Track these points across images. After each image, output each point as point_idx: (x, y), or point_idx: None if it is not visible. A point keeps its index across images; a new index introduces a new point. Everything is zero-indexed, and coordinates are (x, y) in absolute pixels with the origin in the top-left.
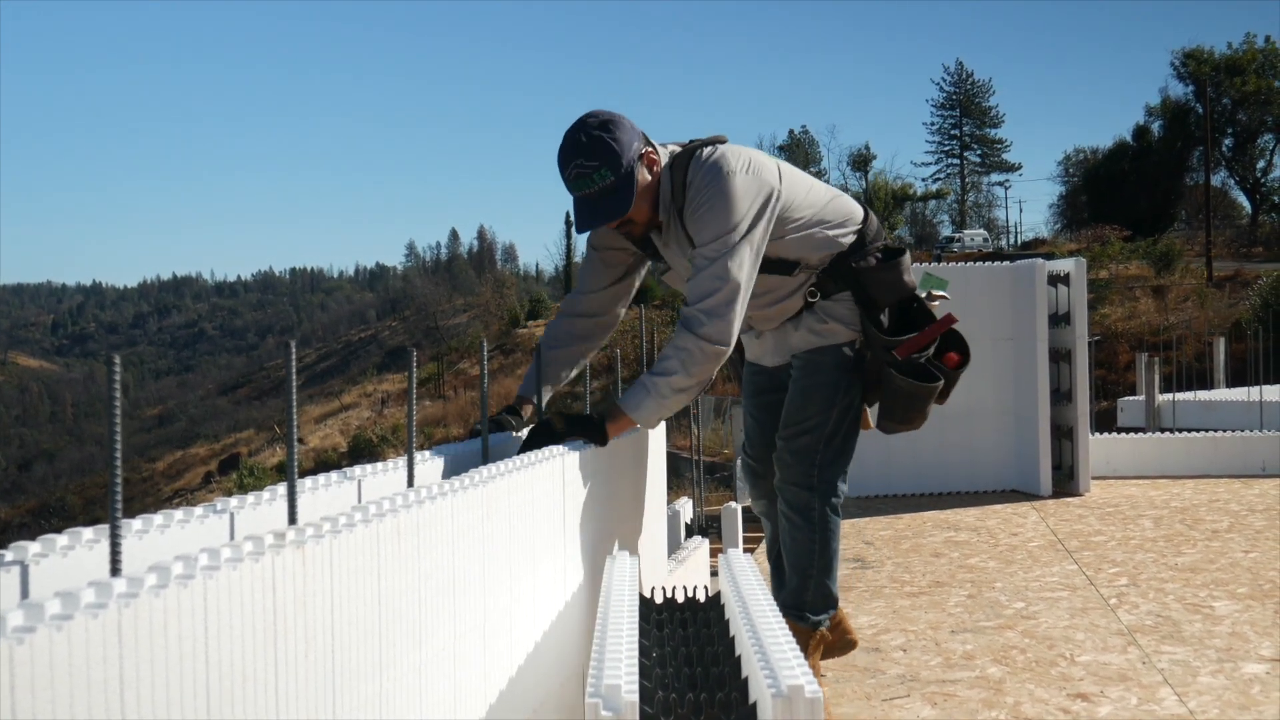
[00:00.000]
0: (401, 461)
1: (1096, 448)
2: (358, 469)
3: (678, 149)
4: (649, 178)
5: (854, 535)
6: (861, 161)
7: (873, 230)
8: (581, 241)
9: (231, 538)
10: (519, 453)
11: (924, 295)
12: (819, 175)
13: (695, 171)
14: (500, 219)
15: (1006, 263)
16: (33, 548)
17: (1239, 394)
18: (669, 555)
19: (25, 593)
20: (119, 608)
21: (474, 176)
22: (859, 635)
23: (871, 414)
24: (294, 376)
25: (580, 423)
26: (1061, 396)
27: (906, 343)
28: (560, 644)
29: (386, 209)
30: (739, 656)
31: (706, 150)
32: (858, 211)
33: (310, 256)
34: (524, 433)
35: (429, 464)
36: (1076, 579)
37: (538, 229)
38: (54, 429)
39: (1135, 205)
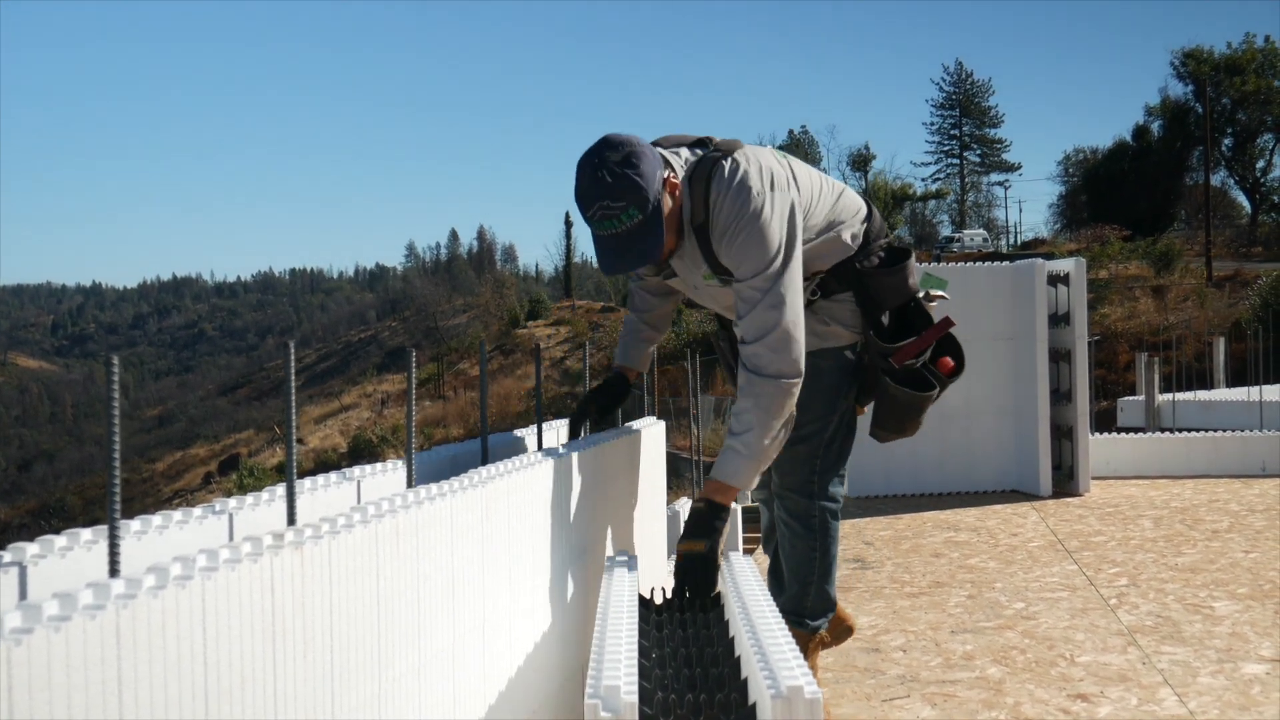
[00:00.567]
0: (401, 462)
1: (1096, 448)
2: (357, 469)
3: (685, 151)
4: (671, 204)
5: (854, 536)
6: (861, 161)
7: (876, 227)
8: (581, 242)
9: (230, 539)
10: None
11: (921, 295)
12: None
13: (719, 192)
14: (500, 219)
15: (1006, 263)
16: (31, 549)
17: (1239, 394)
18: (668, 556)
19: (24, 594)
20: (117, 609)
21: (474, 177)
22: (858, 635)
23: (863, 420)
24: (293, 377)
25: (697, 528)
26: (1061, 396)
27: (904, 348)
28: (559, 644)
29: (386, 209)
30: (739, 657)
31: (728, 167)
32: (863, 206)
33: (310, 257)
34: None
35: (427, 465)
36: (1076, 579)
37: (537, 229)
38: (54, 429)
39: (1135, 205)
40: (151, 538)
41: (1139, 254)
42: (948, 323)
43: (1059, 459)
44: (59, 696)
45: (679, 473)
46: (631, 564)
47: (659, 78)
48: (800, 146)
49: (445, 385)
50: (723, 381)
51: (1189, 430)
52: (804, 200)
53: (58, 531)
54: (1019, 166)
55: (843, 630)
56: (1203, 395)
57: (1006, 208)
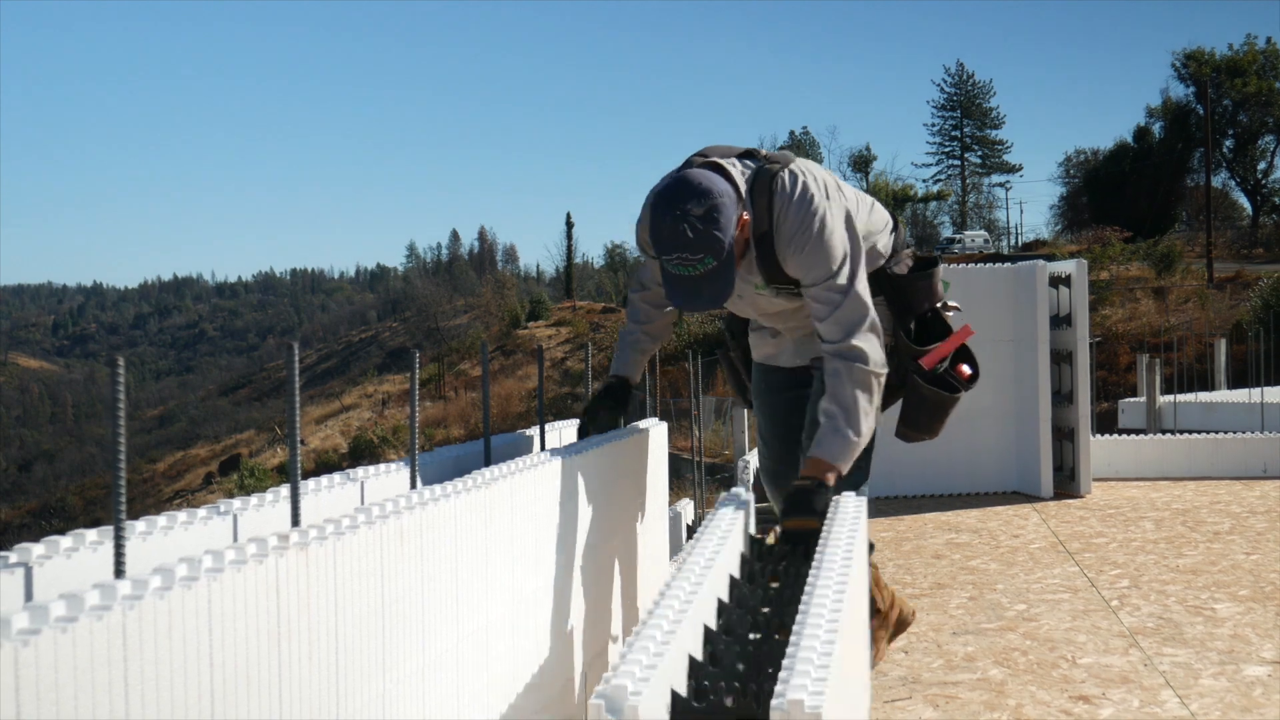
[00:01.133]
0: (403, 463)
1: (1098, 449)
2: (360, 470)
3: (736, 163)
4: (741, 236)
5: None
6: (862, 163)
7: (900, 238)
8: (581, 242)
9: (235, 539)
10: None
11: (939, 305)
12: None
13: (783, 203)
14: (501, 220)
15: (1008, 264)
16: (36, 549)
17: (1240, 395)
18: (670, 558)
19: (30, 595)
20: (123, 610)
21: (475, 177)
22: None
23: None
24: (296, 378)
25: (807, 505)
26: (1062, 398)
27: (934, 351)
28: (563, 646)
29: (387, 210)
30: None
31: (786, 179)
32: (889, 219)
33: (311, 257)
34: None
35: (431, 467)
36: (1078, 581)
37: (538, 230)
38: (54, 430)
39: (1136, 206)
40: (156, 539)
41: (1140, 255)
42: (968, 331)
43: (1060, 460)
44: (65, 697)
45: (680, 473)
46: (740, 506)
47: (660, 78)
48: (801, 148)
49: (445, 386)
50: (724, 383)
51: (1190, 432)
52: (851, 209)
53: (60, 532)
54: (1020, 168)
55: (902, 621)
56: (1204, 397)
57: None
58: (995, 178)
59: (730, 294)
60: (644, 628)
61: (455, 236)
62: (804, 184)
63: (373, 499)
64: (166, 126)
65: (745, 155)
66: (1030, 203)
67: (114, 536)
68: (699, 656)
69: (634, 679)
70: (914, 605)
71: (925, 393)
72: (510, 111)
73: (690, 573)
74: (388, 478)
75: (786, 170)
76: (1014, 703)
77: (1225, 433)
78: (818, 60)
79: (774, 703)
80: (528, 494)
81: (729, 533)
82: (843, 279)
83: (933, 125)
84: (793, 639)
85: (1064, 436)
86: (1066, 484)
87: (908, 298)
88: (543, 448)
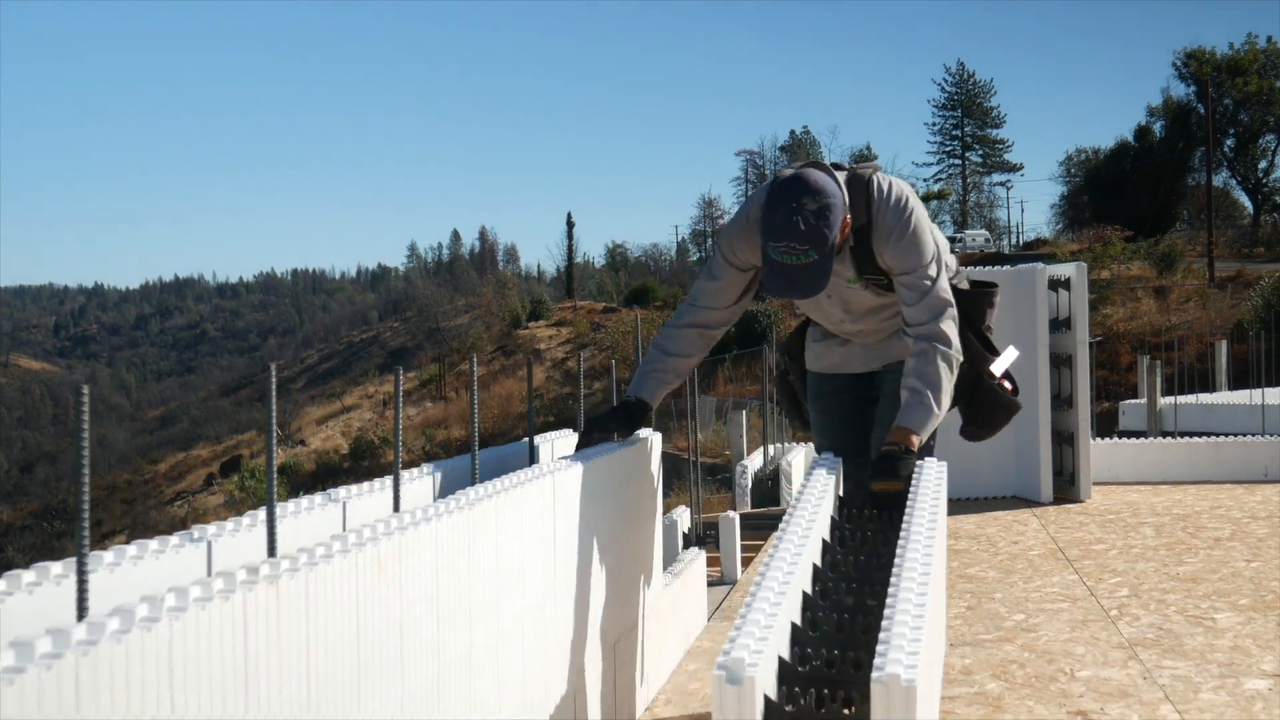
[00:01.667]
0: (388, 481)
1: (1098, 453)
2: (343, 490)
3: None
4: (841, 237)
5: None
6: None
7: (955, 255)
8: (582, 242)
9: (209, 569)
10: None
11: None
12: None
13: (880, 205)
14: (501, 220)
15: (1007, 267)
16: None
17: (1241, 396)
18: (665, 568)
19: None
20: (76, 657)
21: (475, 177)
22: None
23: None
24: (274, 403)
25: (893, 469)
26: (1062, 402)
27: (998, 360)
28: (549, 668)
29: (388, 210)
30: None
31: (883, 182)
32: (946, 240)
33: (312, 257)
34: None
35: (418, 483)
36: (1077, 589)
37: (539, 230)
38: (56, 431)
39: (1137, 205)
40: (125, 569)
41: (1141, 254)
42: (1013, 350)
43: (1060, 464)
44: None
45: (679, 474)
46: (831, 469)
47: (661, 78)
48: (802, 147)
49: (447, 386)
50: (724, 382)
51: (1190, 433)
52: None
53: (60, 534)
54: (1021, 167)
55: None
56: (1205, 398)
57: (1009, 208)
58: (996, 177)
59: (824, 288)
60: (754, 600)
61: (456, 236)
62: (898, 187)
63: (355, 522)
64: (167, 127)
65: (834, 167)
66: (1031, 202)
67: (77, 574)
68: (799, 623)
69: (750, 651)
70: None
71: (1001, 396)
72: (511, 111)
73: (790, 542)
74: (371, 498)
75: (879, 174)
76: (1011, 717)
77: (1226, 435)
78: (818, 59)
79: (874, 675)
80: (513, 514)
81: (822, 498)
82: (932, 271)
83: (933, 124)
84: (886, 611)
85: (1064, 441)
86: (1066, 488)
87: (969, 311)
88: (532, 461)
